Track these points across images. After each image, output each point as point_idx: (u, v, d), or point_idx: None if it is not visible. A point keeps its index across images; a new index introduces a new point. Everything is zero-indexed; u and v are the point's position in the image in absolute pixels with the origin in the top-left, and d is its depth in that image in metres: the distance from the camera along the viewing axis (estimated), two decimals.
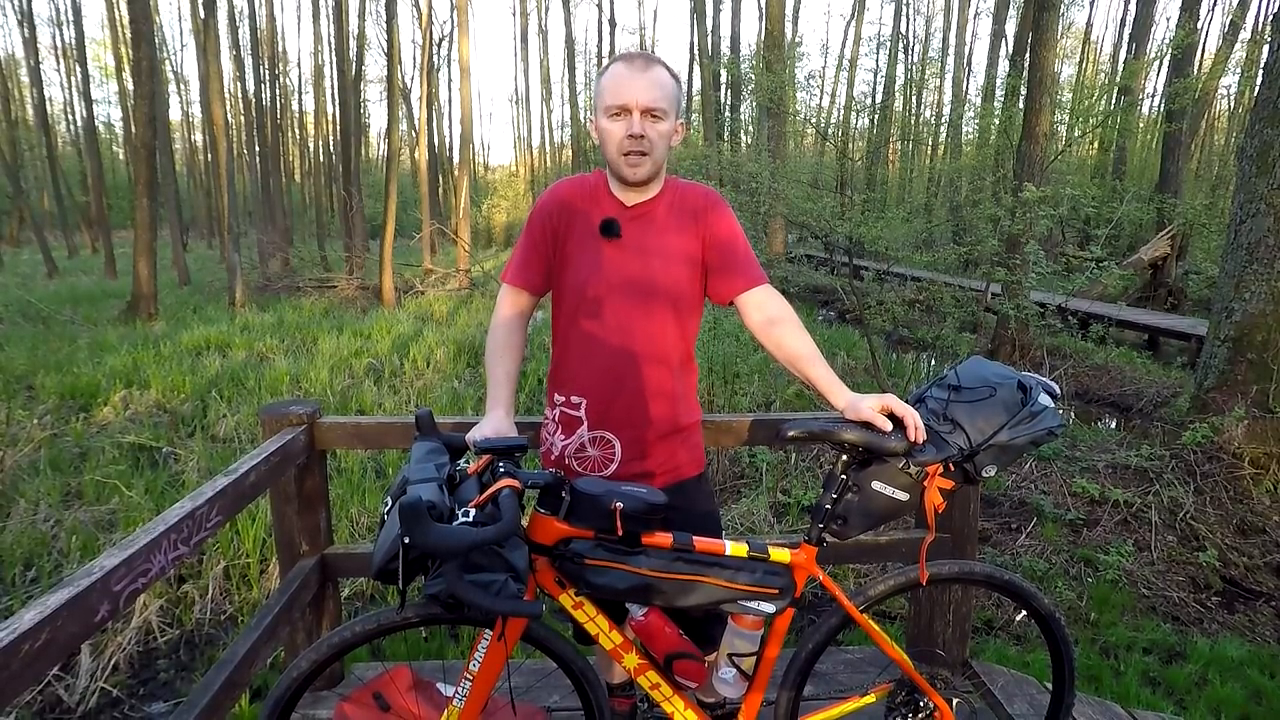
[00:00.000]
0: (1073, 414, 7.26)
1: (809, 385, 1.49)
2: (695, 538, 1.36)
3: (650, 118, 1.41)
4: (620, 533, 1.28)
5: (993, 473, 1.41)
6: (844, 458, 1.42)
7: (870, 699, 1.61)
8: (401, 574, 1.10)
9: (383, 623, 1.33)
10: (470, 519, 1.13)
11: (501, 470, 1.26)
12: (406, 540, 1.05)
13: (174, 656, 3.03)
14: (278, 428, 1.91)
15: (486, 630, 1.35)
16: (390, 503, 1.20)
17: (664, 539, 1.34)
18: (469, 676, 1.36)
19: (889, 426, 1.36)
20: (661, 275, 1.50)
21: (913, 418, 1.36)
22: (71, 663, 2.86)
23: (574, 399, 1.56)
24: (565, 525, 1.31)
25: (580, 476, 1.49)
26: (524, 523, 1.34)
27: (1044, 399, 1.41)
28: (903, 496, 1.40)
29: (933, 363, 8.07)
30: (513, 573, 1.17)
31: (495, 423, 1.50)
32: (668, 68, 1.45)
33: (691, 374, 1.64)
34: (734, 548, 1.37)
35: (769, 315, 1.52)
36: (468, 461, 1.35)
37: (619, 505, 1.26)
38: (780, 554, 1.40)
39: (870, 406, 1.37)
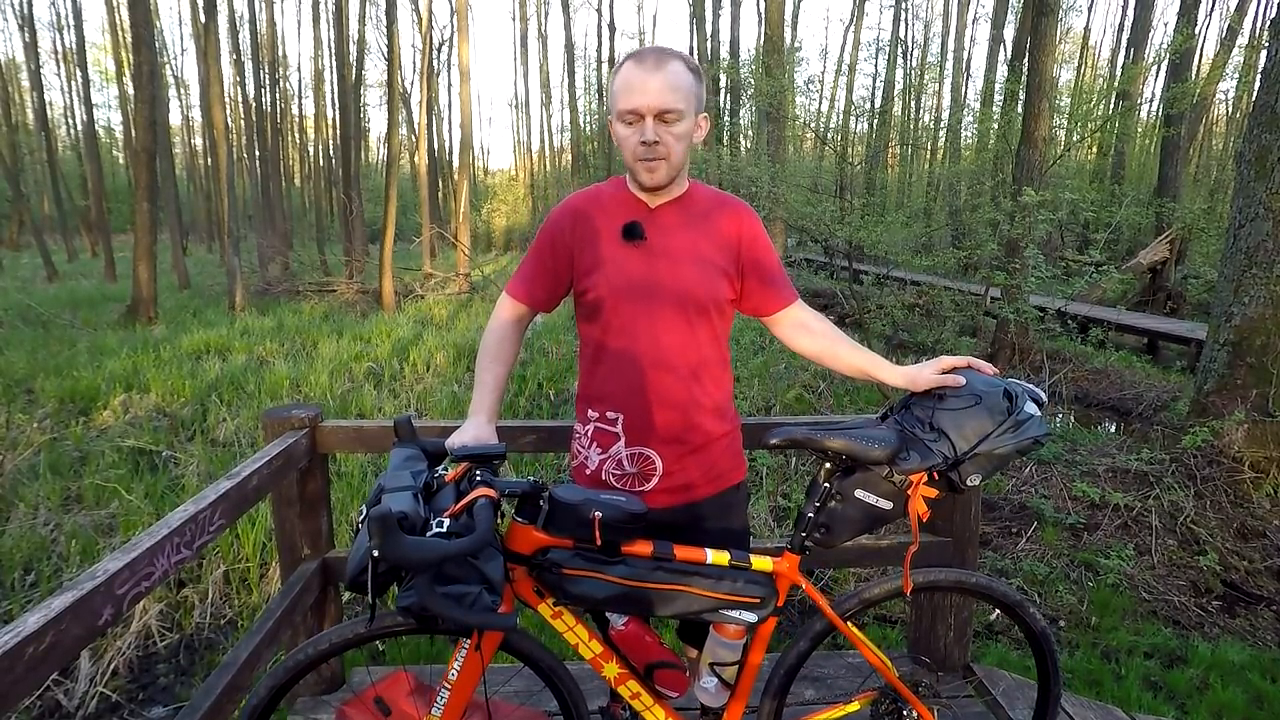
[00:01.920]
0: (1072, 418, 7.26)
1: (871, 380, 1.57)
2: (675, 545, 1.34)
3: (664, 120, 1.34)
4: (599, 542, 1.26)
5: (977, 481, 1.39)
6: (827, 465, 1.40)
7: (854, 706, 1.60)
8: (371, 586, 1.08)
9: (341, 639, 1.29)
10: (444, 529, 1.11)
11: (479, 478, 1.24)
12: (376, 553, 1.03)
13: (173, 661, 3.02)
14: (280, 431, 1.91)
15: (465, 639, 1.34)
16: (365, 511, 1.17)
17: (644, 547, 1.32)
18: (447, 685, 1.35)
19: (961, 382, 1.41)
20: (691, 279, 1.44)
21: (973, 362, 1.46)
22: (71, 667, 2.85)
23: (610, 414, 1.49)
24: (543, 534, 1.29)
25: (619, 490, 1.47)
26: (502, 531, 1.32)
27: (1030, 407, 1.40)
28: (886, 505, 1.39)
29: None
30: (487, 584, 1.15)
31: (476, 429, 1.47)
32: (685, 60, 1.36)
33: (728, 378, 1.58)
34: (715, 556, 1.36)
35: (815, 333, 1.56)
36: (446, 468, 1.32)
37: (598, 514, 1.24)
38: (762, 562, 1.39)
39: (930, 374, 1.44)
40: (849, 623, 1.49)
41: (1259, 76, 4.59)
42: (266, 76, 23.47)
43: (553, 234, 1.51)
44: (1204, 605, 3.50)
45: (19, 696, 0.92)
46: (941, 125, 27.36)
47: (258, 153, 23.56)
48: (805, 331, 1.56)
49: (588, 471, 1.55)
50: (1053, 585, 3.55)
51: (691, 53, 26.51)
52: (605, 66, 33.86)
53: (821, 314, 1.58)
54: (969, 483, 1.39)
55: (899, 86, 28.93)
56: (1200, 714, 2.66)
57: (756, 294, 1.54)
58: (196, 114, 32.97)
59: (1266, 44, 4.54)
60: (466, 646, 1.34)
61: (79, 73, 23.20)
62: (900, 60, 29.96)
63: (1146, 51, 17.75)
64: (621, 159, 1.43)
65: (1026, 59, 8.56)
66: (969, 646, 2.32)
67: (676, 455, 1.49)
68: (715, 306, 1.47)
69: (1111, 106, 15.04)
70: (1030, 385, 1.45)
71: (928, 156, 27.79)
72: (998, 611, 3.32)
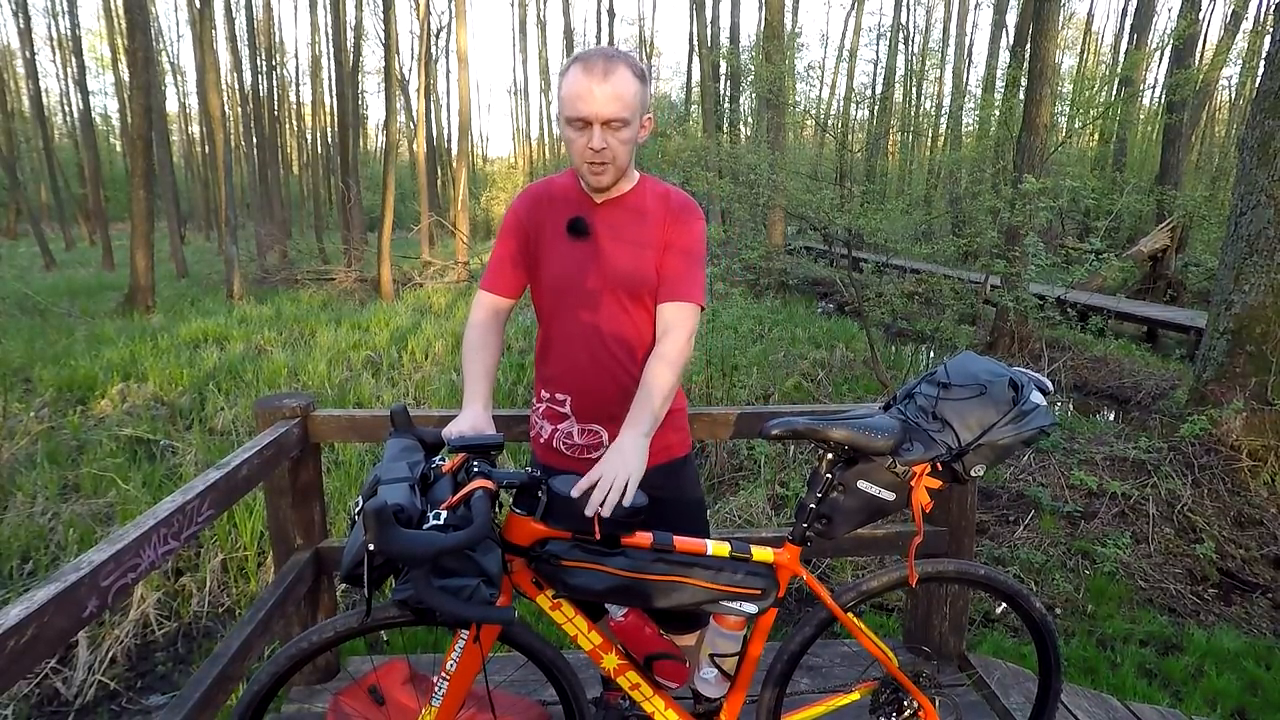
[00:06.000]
0: (1071, 406, 7.26)
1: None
2: (676, 538, 1.34)
3: (611, 128, 1.38)
4: (598, 534, 1.25)
5: (981, 472, 1.38)
6: (829, 456, 1.39)
7: (854, 696, 1.61)
8: (367, 581, 1.07)
9: (340, 630, 1.29)
10: (441, 521, 1.10)
11: (476, 469, 1.23)
12: (372, 547, 1.02)
13: (172, 649, 3.03)
14: (271, 420, 1.90)
15: (463, 630, 1.33)
16: (361, 503, 1.16)
17: (644, 539, 1.31)
18: (445, 676, 1.34)
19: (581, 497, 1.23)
20: (635, 268, 1.50)
21: (600, 493, 1.21)
22: (69, 655, 2.86)
23: (559, 395, 1.57)
24: (542, 526, 1.29)
25: (566, 470, 1.47)
26: (500, 523, 1.31)
27: (1036, 396, 1.39)
28: (889, 496, 1.37)
29: (931, 355, 8.07)
30: (484, 577, 1.14)
31: (473, 418, 1.48)
32: (629, 65, 1.39)
33: None
34: (715, 547, 1.35)
35: (659, 334, 1.48)
36: (443, 458, 1.32)
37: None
38: (763, 554, 1.38)
39: (589, 477, 1.24)
40: (849, 613, 1.49)
41: (1263, 62, 4.55)
42: (263, 63, 23.30)
43: (513, 225, 1.59)
44: (1200, 593, 3.50)
45: (3, 688, 0.91)
46: (942, 112, 27.21)
47: (255, 140, 23.43)
48: (660, 334, 1.48)
49: (541, 441, 1.64)
50: (1049, 573, 3.55)
51: (691, 38, 26.33)
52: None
53: (683, 337, 1.46)
54: (973, 473, 1.37)
55: (900, 73, 28.73)
56: (1195, 701, 2.66)
57: (661, 282, 1.52)
58: (193, 101, 32.87)
59: (1271, 29, 4.49)
60: (465, 638, 1.33)
61: (74, 59, 23.05)
62: (901, 46, 29.74)
63: (1150, 37, 17.63)
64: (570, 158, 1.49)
65: (1029, 45, 8.49)
66: (965, 636, 2.32)
67: (619, 431, 1.51)
68: (648, 295, 1.53)
69: (1113, 93, 14.94)
70: (1036, 374, 1.43)
71: (928, 144, 27.66)
72: (1002, 605, 3.32)
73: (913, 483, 1.37)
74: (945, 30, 31.01)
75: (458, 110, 16.24)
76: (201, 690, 1.40)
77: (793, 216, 10.08)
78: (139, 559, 1.19)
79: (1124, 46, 21.90)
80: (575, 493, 1.23)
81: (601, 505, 1.21)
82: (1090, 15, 33.47)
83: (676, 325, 1.47)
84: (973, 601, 3.24)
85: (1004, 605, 3.27)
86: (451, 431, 1.41)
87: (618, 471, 1.24)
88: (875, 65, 31.85)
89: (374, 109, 36.79)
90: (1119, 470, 4.46)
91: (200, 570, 3.41)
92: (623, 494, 1.22)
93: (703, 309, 1.53)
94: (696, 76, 27.20)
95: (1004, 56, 19.90)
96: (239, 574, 3.44)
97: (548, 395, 1.60)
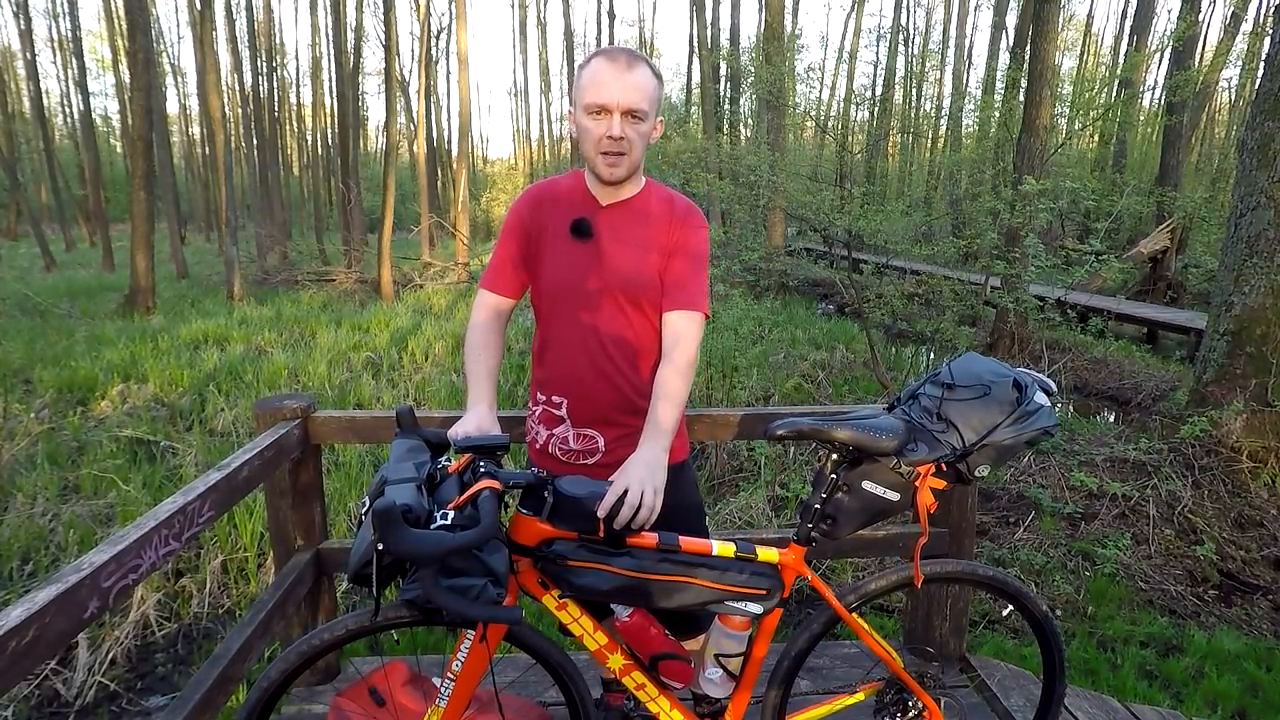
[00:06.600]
0: (1071, 407, 7.26)
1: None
2: (681, 538, 1.34)
3: (630, 119, 1.40)
4: (603, 535, 1.26)
5: (985, 472, 1.38)
6: (834, 456, 1.39)
7: (859, 697, 1.61)
8: (375, 580, 1.08)
9: (351, 628, 1.30)
10: (448, 521, 1.11)
11: (482, 470, 1.23)
12: (380, 546, 1.03)
13: (172, 650, 3.03)
14: (272, 422, 1.90)
15: (469, 630, 1.34)
16: (368, 503, 1.17)
17: (649, 539, 1.32)
18: (451, 676, 1.34)
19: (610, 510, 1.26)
20: (637, 271, 1.49)
21: (630, 509, 1.26)
22: (69, 656, 2.86)
23: (555, 399, 1.57)
24: (548, 526, 1.29)
25: (564, 474, 1.48)
26: (505, 523, 1.31)
27: (1040, 397, 1.39)
28: (893, 496, 1.37)
29: (931, 356, 8.07)
30: (491, 577, 1.15)
31: (478, 419, 1.48)
32: (650, 65, 1.43)
33: None
34: (721, 548, 1.35)
35: (669, 344, 1.48)
36: (449, 459, 1.32)
37: None
38: (768, 554, 1.38)
39: (615, 489, 1.27)
40: (854, 614, 1.49)
41: (1263, 63, 4.55)
42: (264, 64, 23.31)
43: (514, 224, 1.58)
44: (1200, 595, 3.50)
45: (4, 689, 0.91)
46: (942, 113, 27.22)
47: (255, 141, 23.45)
48: (669, 343, 1.48)
49: (537, 446, 1.64)
50: (1050, 575, 3.55)
51: (691, 39, 26.36)
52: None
53: (694, 347, 1.48)
54: (977, 474, 1.37)
55: (900, 74, 28.75)
56: (1195, 703, 2.66)
57: (667, 289, 1.53)
58: (194, 102, 32.90)
59: (1271, 30, 4.49)
60: (471, 638, 1.33)
61: (75, 60, 23.05)
62: (901, 48, 29.76)
63: (1149, 38, 17.64)
64: (582, 151, 1.47)
65: (1028, 46, 8.50)
66: (965, 637, 2.32)
67: (616, 436, 1.56)
68: (649, 299, 1.52)
69: (1113, 95, 14.95)
70: (1040, 375, 1.43)
71: (928, 145, 27.65)
72: (1009, 607, 3.31)
73: (917, 483, 1.37)
74: (945, 32, 31.04)
75: (458, 111, 16.25)
76: (202, 691, 1.40)
77: (793, 218, 10.09)
78: (140, 560, 1.19)
79: (1124, 48, 21.93)
80: (602, 512, 1.25)
81: (632, 520, 1.25)
82: (1090, 17, 33.44)
83: (687, 334, 1.48)
84: (972, 603, 3.23)
85: (1010, 608, 3.27)
86: (457, 432, 1.42)
87: (645, 485, 1.28)
88: (875, 67, 31.90)
89: (374, 110, 36.81)
90: (1119, 471, 4.45)
91: (200, 571, 3.41)
92: (651, 510, 1.27)
93: (708, 318, 1.54)
94: (696, 78, 27.24)
95: (1004, 58, 19.93)
96: (239, 575, 3.44)
97: (544, 398, 1.59)
